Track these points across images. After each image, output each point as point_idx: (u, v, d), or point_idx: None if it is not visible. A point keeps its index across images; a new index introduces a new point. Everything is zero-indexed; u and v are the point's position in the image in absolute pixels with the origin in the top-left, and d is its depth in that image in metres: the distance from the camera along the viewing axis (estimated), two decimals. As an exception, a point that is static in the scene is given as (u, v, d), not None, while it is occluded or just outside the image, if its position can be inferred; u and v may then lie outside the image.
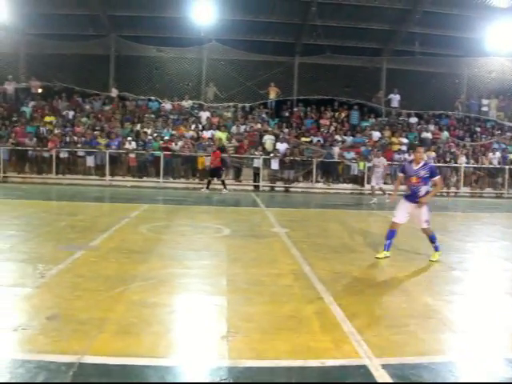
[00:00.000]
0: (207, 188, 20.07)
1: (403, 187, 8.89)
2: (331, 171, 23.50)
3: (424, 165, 8.16)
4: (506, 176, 23.97)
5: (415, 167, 8.13)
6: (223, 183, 20.15)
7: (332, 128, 25.79)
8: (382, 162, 19.11)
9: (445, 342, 4.72)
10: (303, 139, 24.32)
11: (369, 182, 21.14)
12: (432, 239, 8.23)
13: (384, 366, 4.01)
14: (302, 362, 4.07)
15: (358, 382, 3.82)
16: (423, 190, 8.09)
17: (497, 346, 4.67)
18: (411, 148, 8.94)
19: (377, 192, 18.74)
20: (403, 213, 8.22)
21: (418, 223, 8.19)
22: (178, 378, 3.88)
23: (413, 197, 8.13)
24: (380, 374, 3.88)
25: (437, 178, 8.30)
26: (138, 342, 4.33)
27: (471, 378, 4.02)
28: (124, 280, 6.23)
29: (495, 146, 25.85)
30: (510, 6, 25.17)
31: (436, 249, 8.24)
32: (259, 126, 25.27)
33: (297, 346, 4.36)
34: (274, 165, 22.54)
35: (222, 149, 22.27)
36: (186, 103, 26.83)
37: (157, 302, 5.47)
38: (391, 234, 8.26)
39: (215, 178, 20.33)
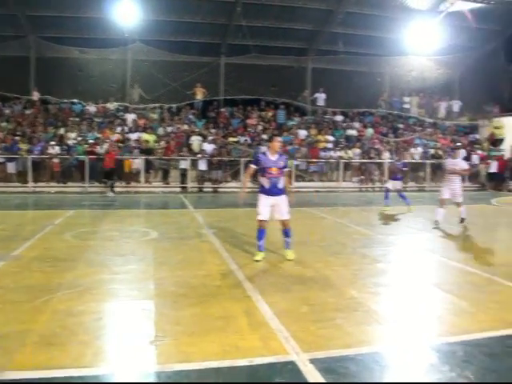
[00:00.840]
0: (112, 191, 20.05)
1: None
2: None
3: (280, 155, 7.99)
4: (428, 170, 24.95)
5: (272, 158, 7.89)
6: (112, 186, 20.15)
7: (259, 127, 25.98)
8: None
9: (371, 333, 4.86)
10: (230, 139, 24.33)
11: (296, 180, 21.62)
12: (287, 233, 8.08)
13: (312, 361, 4.11)
14: (230, 362, 4.11)
15: (286, 382, 3.86)
16: (282, 181, 7.92)
17: (422, 334, 4.86)
18: (269, 139, 8.52)
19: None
20: (266, 208, 7.92)
21: (280, 215, 7.96)
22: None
23: (272, 189, 7.87)
24: (308, 370, 3.97)
25: (287, 169, 8.12)
26: (63, 353, 4.23)
27: (396, 367, 4.19)
28: (48, 289, 6.05)
29: (417, 141, 26.99)
30: (428, 7, 26.29)
31: (287, 245, 8.12)
32: (186, 127, 25.10)
33: (225, 347, 4.39)
34: (202, 165, 22.37)
35: (150, 151, 22.12)
36: (111, 105, 26.23)
37: (83, 309, 5.35)
38: (261, 235, 7.99)
39: (113, 178, 20.52)
